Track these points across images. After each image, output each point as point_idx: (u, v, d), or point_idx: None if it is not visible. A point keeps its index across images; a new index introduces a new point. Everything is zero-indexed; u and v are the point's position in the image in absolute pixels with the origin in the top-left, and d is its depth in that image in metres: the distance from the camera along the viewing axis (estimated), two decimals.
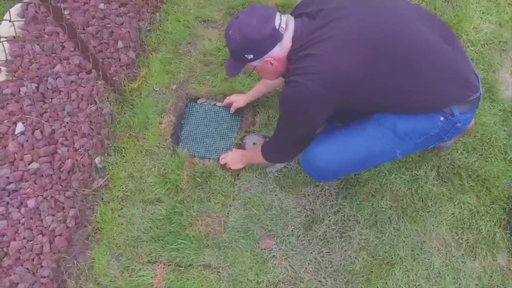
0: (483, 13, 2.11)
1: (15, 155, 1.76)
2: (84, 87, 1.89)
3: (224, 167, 1.79)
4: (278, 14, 1.24)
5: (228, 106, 1.90)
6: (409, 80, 1.22)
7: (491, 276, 1.60)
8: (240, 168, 1.76)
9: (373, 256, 1.63)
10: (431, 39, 1.24)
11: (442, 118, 1.26)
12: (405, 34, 1.22)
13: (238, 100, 1.86)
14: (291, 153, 1.54)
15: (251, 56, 1.27)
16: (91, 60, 1.56)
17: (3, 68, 1.93)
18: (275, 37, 1.23)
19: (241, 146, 1.86)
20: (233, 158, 1.76)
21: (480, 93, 1.27)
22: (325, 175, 1.49)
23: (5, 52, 1.61)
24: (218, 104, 1.96)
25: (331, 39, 1.19)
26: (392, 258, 1.62)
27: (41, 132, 1.80)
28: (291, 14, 1.35)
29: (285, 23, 1.24)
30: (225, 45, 2.06)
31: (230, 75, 1.41)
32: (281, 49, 1.25)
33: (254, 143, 1.84)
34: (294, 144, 1.44)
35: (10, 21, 1.30)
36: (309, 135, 1.41)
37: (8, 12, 1.30)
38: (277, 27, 1.21)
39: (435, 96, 1.25)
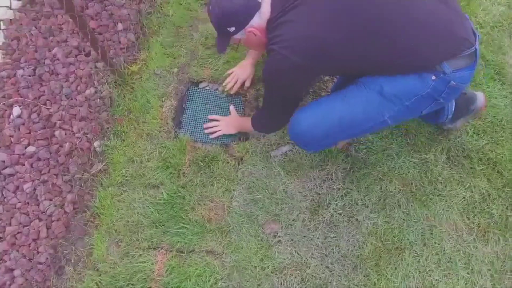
0: None
1: (11, 138, 1.71)
2: (83, 69, 1.83)
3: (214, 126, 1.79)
4: None
5: (234, 85, 1.83)
6: (390, 42, 1.18)
7: (504, 261, 1.55)
8: (231, 133, 1.76)
9: (381, 241, 1.57)
10: None
11: (433, 77, 1.18)
12: None
13: (243, 72, 1.80)
14: (277, 123, 1.56)
15: (233, 28, 1.29)
16: (89, 37, 1.51)
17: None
18: (252, 6, 1.23)
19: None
20: (228, 123, 1.76)
21: (476, 48, 1.19)
22: (309, 141, 1.43)
23: (3, 34, 1.57)
24: (220, 88, 1.90)
25: (307, 4, 1.17)
26: (401, 243, 1.57)
27: (38, 115, 1.74)
28: None
29: None
30: None
31: (219, 52, 1.43)
32: (260, 18, 1.26)
33: None
34: (279, 114, 1.45)
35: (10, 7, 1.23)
36: (293, 104, 1.41)
37: None
38: None
39: (421, 55, 1.19)
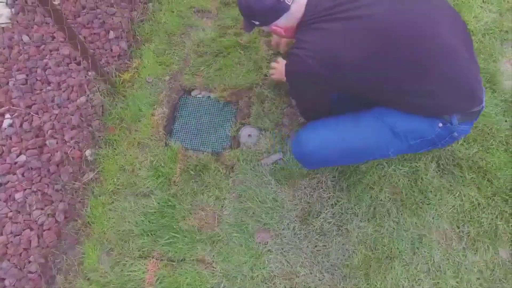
0: (483, 1, 2.06)
1: (3, 147, 1.71)
2: (74, 78, 1.84)
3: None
4: None
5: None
6: (415, 83, 1.18)
7: (493, 270, 1.55)
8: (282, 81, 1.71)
9: (371, 250, 1.58)
10: (453, 44, 1.17)
11: (440, 125, 1.23)
12: (426, 36, 1.16)
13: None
14: (308, 117, 1.54)
15: (257, 22, 1.30)
16: (79, 48, 1.51)
17: None
18: (279, 8, 1.21)
19: (235, 138, 1.81)
20: (282, 70, 1.71)
21: (483, 107, 1.24)
22: (313, 161, 1.44)
23: None
24: (212, 95, 1.90)
25: (346, 21, 1.15)
26: (391, 252, 1.58)
27: (30, 124, 1.75)
28: None
29: None
30: (219, 35, 2.02)
31: (245, 31, 1.45)
32: (288, 19, 1.24)
33: (249, 135, 1.79)
34: (307, 110, 1.48)
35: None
36: (317, 108, 1.40)
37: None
38: None
39: (438, 103, 1.21)
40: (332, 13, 1.16)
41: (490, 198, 1.65)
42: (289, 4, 1.21)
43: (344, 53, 1.15)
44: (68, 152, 1.72)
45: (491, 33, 1.99)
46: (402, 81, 1.18)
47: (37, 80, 1.83)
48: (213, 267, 1.56)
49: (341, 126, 1.33)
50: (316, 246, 1.59)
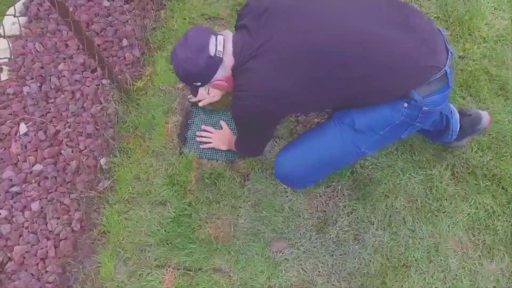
0: (495, 8, 2.07)
1: (18, 156, 1.71)
2: (89, 86, 1.84)
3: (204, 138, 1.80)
4: (212, 38, 1.23)
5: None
6: (351, 82, 1.18)
7: (509, 278, 1.56)
8: (221, 149, 1.78)
9: (388, 259, 1.59)
10: (371, 30, 1.16)
11: (405, 104, 1.19)
12: (344, 32, 1.16)
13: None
14: (254, 152, 1.62)
15: (199, 83, 1.33)
16: (96, 57, 1.51)
17: (5, 67, 1.88)
18: (213, 64, 1.24)
19: None
20: (220, 138, 1.78)
21: (446, 71, 1.17)
22: (294, 181, 1.50)
23: (10, 49, 1.56)
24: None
25: (269, 52, 1.18)
26: (407, 260, 1.58)
27: (45, 132, 1.75)
28: (236, 22, 1.35)
29: (222, 45, 1.24)
30: None
31: (194, 96, 1.53)
32: (224, 70, 1.27)
33: None
34: (254, 144, 1.52)
35: (14, 16, 1.24)
36: (265, 138, 1.49)
37: (13, 8, 1.25)
38: (212, 54, 1.22)
39: (385, 89, 1.19)
40: (254, 50, 1.19)
41: (505, 206, 1.66)
42: (221, 56, 1.24)
43: (280, 84, 1.18)
44: (83, 160, 1.72)
45: (503, 40, 2.00)
46: (338, 84, 1.19)
47: (51, 88, 1.83)
48: (230, 276, 1.57)
49: (307, 142, 1.37)
50: (332, 255, 1.59)
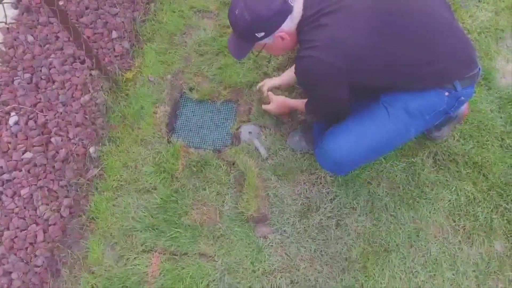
0: (479, 1, 2.10)
1: (9, 145, 1.75)
2: (78, 76, 1.88)
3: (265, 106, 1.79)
4: None
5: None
6: (421, 55, 1.24)
7: (488, 262, 1.59)
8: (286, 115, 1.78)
9: (369, 244, 1.62)
10: (445, 16, 1.27)
11: (447, 93, 1.27)
12: (420, 10, 1.24)
13: (278, 106, 1.76)
14: (327, 119, 1.51)
15: (262, 33, 1.23)
16: (84, 47, 1.55)
17: None
18: (285, 10, 1.19)
19: (236, 136, 1.84)
20: (278, 108, 1.73)
21: (479, 69, 1.29)
22: (345, 168, 1.50)
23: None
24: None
25: (343, 9, 1.18)
26: (388, 245, 1.61)
27: (35, 122, 1.79)
28: None
29: None
30: (220, 34, 2.05)
31: (238, 58, 1.37)
32: (292, 22, 1.22)
33: (250, 132, 1.83)
34: (326, 113, 1.46)
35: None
36: (337, 108, 1.39)
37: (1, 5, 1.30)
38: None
39: (443, 72, 1.27)
40: (325, 6, 1.18)
41: (486, 193, 1.69)
42: (292, 4, 1.20)
43: (353, 40, 1.17)
44: (73, 149, 1.76)
45: (487, 32, 2.03)
46: (408, 53, 1.23)
47: (41, 79, 1.87)
48: (215, 261, 1.60)
49: (359, 126, 1.36)
50: (315, 240, 1.62)
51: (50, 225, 1.64)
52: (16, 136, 1.76)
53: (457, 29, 1.30)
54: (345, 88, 1.28)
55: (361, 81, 1.28)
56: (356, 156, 1.38)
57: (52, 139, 1.76)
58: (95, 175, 1.76)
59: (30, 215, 1.64)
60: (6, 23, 1.23)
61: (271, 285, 1.55)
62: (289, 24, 1.23)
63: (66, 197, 1.69)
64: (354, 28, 1.18)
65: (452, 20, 1.30)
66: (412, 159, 1.75)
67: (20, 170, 1.70)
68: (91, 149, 1.80)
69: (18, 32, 1.96)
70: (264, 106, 1.79)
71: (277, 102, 1.75)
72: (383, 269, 1.57)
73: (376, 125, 1.33)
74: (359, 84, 1.29)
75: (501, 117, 1.82)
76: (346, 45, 1.18)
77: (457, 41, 1.28)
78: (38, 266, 1.57)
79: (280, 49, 1.36)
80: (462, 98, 1.30)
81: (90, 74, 1.89)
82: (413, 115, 1.30)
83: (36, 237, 1.61)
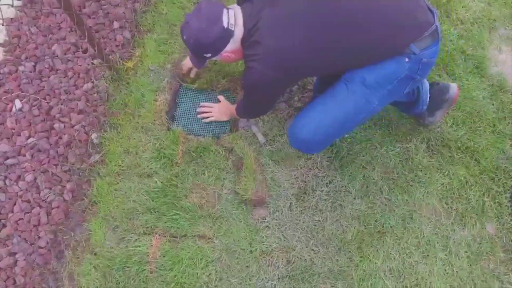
0: None
1: (13, 130, 1.79)
2: (81, 65, 1.92)
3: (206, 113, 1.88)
4: (225, 11, 1.32)
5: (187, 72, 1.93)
6: (359, 34, 1.28)
7: (480, 243, 1.64)
8: (223, 120, 1.87)
9: (364, 225, 1.66)
10: None
11: (406, 59, 1.29)
12: None
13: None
14: (259, 114, 1.75)
15: (209, 54, 1.40)
16: (86, 34, 1.60)
17: (1, 48, 1.96)
18: (226, 35, 1.33)
19: (234, 123, 1.88)
20: (220, 110, 1.86)
21: (436, 26, 1.29)
22: (313, 146, 1.55)
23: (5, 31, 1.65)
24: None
25: (273, 19, 1.28)
26: (383, 227, 1.66)
27: (39, 108, 1.83)
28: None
29: (234, 18, 1.32)
30: None
31: (197, 68, 1.67)
32: (234, 42, 1.36)
33: (247, 119, 1.87)
34: (259, 108, 1.61)
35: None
36: (273, 102, 1.58)
37: None
38: (226, 26, 1.31)
39: (387, 44, 1.29)
40: (258, 20, 1.28)
41: (478, 176, 1.74)
42: (233, 29, 1.32)
43: (288, 46, 1.27)
44: (75, 135, 1.80)
45: (480, 22, 2.08)
46: (343, 43, 1.28)
47: (45, 67, 1.91)
48: (214, 242, 1.64)
49: (320, 106, 1.43)
50: (311, 222, 1.67)
51: (53, 208, 1.68)
52: (20, 122, 1.80)
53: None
54: (280, 89, 1.47)
55: (310, 74, 1.44)
56: (322, 134, 1.44)
57: (55, 126, 1.80)
58: (97, 161, 1.81)
59: (34, 198, 1.68)
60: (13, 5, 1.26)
61: (268, 264, 1.60)
62: (232, 45, 1.35)
63: (69, 181, 1.74)
64: (284, 39, 1.27)
65: None
66: (406, 144, 1.80)
67: (24, 155, 1.75)
68: (93, 136, 1.84)
69: (22, 22, 2.00)
70: (206, 114, 1.88)
71: (222, 106, 1.88)
72: (377, 250, 1.62)
73: (336, 103, 1.40)
74: (311, 76, 1.44)
75: (492, 104, 1.87)
76: (279, 57, 1.29)
77: (396, 8, 1.28)
78: (42, 247, 1.61)
79: (231, 61, 1.52)
80: (424, 59, 1.30)
81: (92, 63, 1.93)
82: (372, 87, 1.34)
83: (40, 220, 1.65)
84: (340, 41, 1.28)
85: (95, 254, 1.65)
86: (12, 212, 1.66)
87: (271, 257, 1.61)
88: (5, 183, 1.70)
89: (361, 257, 1.61)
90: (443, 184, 1.73)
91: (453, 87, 1.61)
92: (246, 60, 1.36)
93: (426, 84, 1.61)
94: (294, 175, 1.75)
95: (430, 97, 1.60)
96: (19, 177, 1.71)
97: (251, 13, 1.32)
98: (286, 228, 1.66)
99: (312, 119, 1.44)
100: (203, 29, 1.31)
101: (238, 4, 1.42)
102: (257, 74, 1.32)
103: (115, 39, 2.02)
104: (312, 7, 1.27)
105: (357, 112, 1.40)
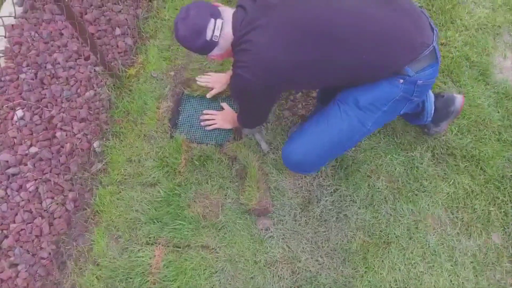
0: None
1: (14, 139, 1.78)
2: (82, 72, 1.90)
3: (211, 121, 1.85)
4: (211, 22, 1.29)
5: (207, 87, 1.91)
6: (346, 57, 1.24)
7: (486, 253, 1.62)
8: (227, 128, 1.84)
9: (369, 235, 1.65)
10: (362, 10, 1.24)
11: (401, 81, 1.26)
12: (335, 13, 1.24)
13: (215, 82, 1.87)
14: (256, 123, 1.69)
15: (197, 54, 1.46)
16: (89, 42, 1.58)
17: (2, 55, 1.95)
18: (210, 45, 1.33)
19: (237, 131, 1.87)
20: (224, 118, 1.83)
21: (434, 47, 1.25)
22: (306, 167, 1.54)
23: (5, 38, 1.63)
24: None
25: (263, 29, 1.24)
26: (388, 237, 1.64)
27: (40, 117, 1.81)
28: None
29: (220, 30, 1.30)
30: None
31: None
32: (220, 50, 1.36)
33: None
34: (255, 117, 1.59)
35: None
36: (266, 110, 1.53)
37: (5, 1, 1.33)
38: (209, 38, 1.30)
39: (379, 64, 1.26)
40: (248, 29, 1.26)
41: (483, 186, 1.72)
42: (216, 41, 1.31)
43: (277, 58, 1.24)
44: (77, 143, 1.79)
45: (484, 28, 2.06)
46: (332, 60, 1.25)
47: (46, 75, 1.89)
48: (217, 253, 1.63)
49: (314, 128, 1.42)
50: (316, 232, 1.65)
51: (55, 218, 1.67)
52: (22, 131, 1.78)
53: (388, 17, 1.24)
54: (269, 98, 1.42)
55: (302, 87, 1.43)
56: (314, 156, 1.44)
57: (57, 134, 1.79)
58: (99, 169, 1.79)
59: (36, 208, 1.66)
60: (15, 17, 1.25)
61: (273, 275, 1.58)
62: (218, 51, 1.36)
63: (71, 190, 1.72)
64: (277, 44, 1.24)
65: (385, 9, 1.24)
66: (411, 153, 1.78)
67: (26, 164, 1.73)
68: (95, 144, 1.82)
69: (23, 29, 1.99)
70: (210, 122, 1.86)
71: (225, 114, 1.85)
72: (383, 261, 1.61)
73: (329, 125, 1.38)
74: (305, 89, 1.40)
75: (498, 112, 1.85)
76: (270, 64, 1.26)
77: (390, 28, 1.23)
78: (44, 258, 1.60)
79: (221, 60, 1.55)
80: (420, 82, 1.26)
81: (94, 70, 1.92)
82: (366, 109, 1.32)
83: (42, 230, 1.63)
84: (330, 57, 1.24)
85: (97, 264, 1.63)
86: (14, 222, 1.65)
87: (275, 268, 1.60)
88: (6, 193, 1.69)
89: (366, 268, 1.59)
90: (448, 193, 1.71)
91: (459, 98, 1.60)
92: (234, 66, 1.34)
93: (431, 96, 1.59)
94: (298, 184, 1.74)
95: (435, 108, 1.59)
96: (20, 186, 1.70)
97: (243, 20, 1.29)
98: (290, 238, 1.64)
99: (305, 141, 1.43)
100: (187, 38, 1.32)
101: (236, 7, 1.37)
102: (243, 81, 1.30)
103: (117, 46, 2.00)
104: (305, 21, 1.23)
105: (352, 134, 1.39)
